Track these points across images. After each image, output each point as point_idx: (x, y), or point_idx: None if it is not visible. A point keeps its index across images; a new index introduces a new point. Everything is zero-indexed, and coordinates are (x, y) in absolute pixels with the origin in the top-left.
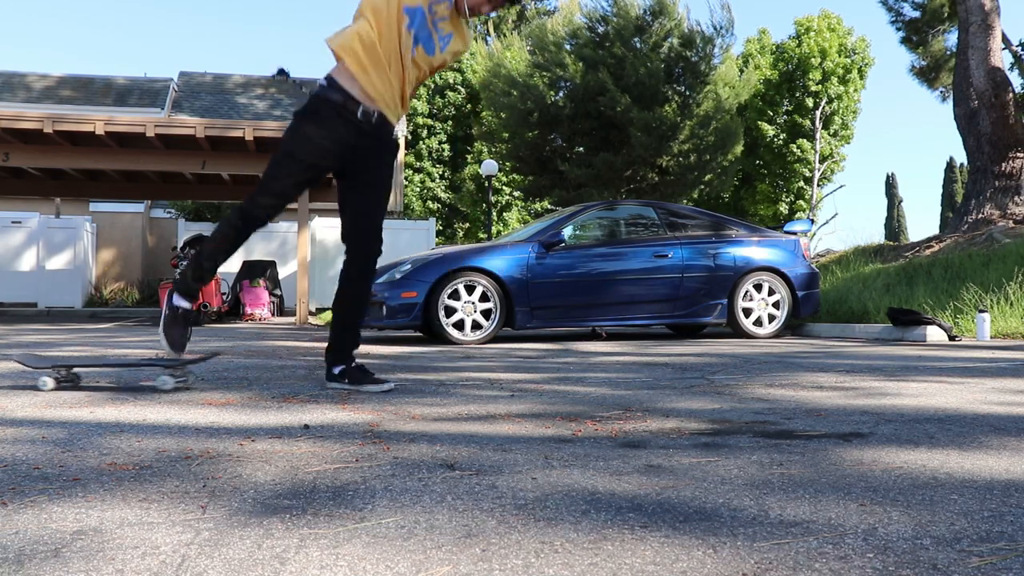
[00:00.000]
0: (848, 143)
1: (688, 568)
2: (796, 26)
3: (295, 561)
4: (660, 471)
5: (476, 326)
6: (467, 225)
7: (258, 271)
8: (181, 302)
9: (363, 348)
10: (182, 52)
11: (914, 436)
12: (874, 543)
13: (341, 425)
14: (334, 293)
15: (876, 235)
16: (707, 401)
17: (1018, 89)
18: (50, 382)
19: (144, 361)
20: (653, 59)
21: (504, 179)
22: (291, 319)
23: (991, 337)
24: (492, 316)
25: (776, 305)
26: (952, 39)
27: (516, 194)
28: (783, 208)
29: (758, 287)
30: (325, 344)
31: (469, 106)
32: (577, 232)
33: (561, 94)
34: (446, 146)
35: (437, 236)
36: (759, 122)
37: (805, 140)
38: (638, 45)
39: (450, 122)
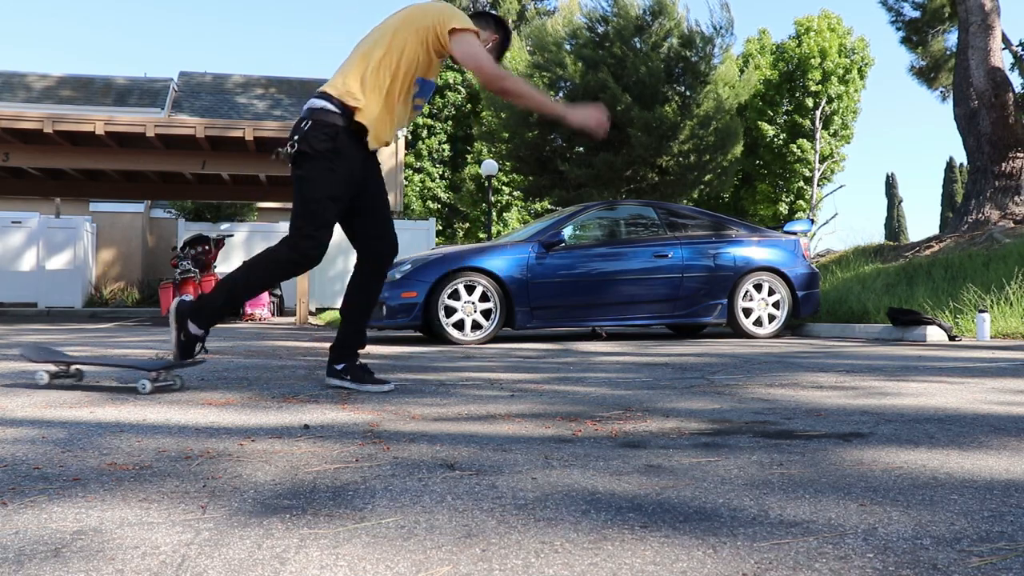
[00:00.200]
0: (848, 143)
1: (688, 568)
2: (796, 26)
3: (295, 561)
4: (660, 471)
5: (476, 326)
6: (467, 225)
7: None
8: (198, 331)
9: (364, 348)
10: (182, 52)
11: (914, 436)
12: (874, 543)
13: (341, 425)
14: (337, 293)
15: (876, 235)
16: (707, 401)
17: (1018, 89)
18: (46, 376)
19: (143, 362)
20: (653, 59)
21: (504, 179)
22: (291, 319)
23: (991, 337)
24: (492, 316)
25: (776, 305)
26: (952, 39)
27: (516, 194)
28: (783, 208)
29: (758, 287)
30: (325, 344)
31: (469, 106)
32: (577, 232)
33: (561, 94)
34: (446, 146)
35: (437, 236)
36: (759, 122)
37: (805, 140)
38: (638, 45)
39: (450, 122)
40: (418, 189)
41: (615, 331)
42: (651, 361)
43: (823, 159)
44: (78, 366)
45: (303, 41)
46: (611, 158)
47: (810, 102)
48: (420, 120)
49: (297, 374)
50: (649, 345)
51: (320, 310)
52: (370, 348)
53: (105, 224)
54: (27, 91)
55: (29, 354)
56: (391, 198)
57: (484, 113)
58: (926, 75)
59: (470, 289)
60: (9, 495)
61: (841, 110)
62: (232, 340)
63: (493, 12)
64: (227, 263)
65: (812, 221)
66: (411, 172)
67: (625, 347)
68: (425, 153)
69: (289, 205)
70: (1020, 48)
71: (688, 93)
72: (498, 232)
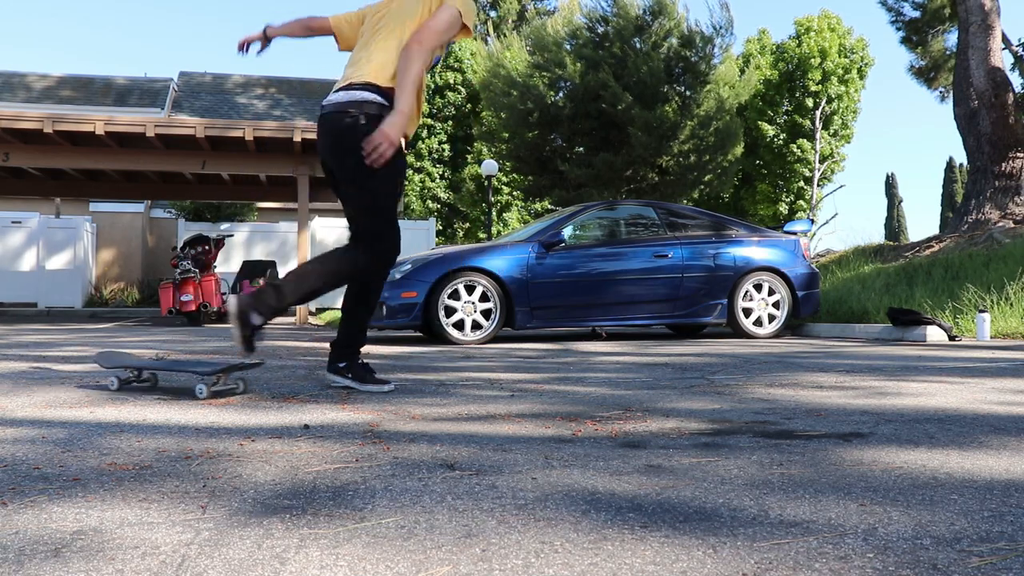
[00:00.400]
0: (848, 143)
1: (688, 568)
2: (796, 26)
3: (295, 561)
4: (660, 471)
5: (476, 326)
6: (467, 225)
7: (258, 271)
8: (259, 319)
9: (364, 348)
10: (182, 52)
11: (914, 436)
12: (874, 543)
13: (341, 425)
14: (337, 292)
15: (876, 235)
16: (707, 401)
17: (1018, 89)
18: (116, 382)
19: (210, 365)
20: (654, 58)
21: (504, 179)
22: (291, 319)
23: (991, 337)
24: (492, 316)
25: (776, 305)
26: (952, 39)
27: (516, 194)
28: (783, 208)
29: (758, 287)
30: (325, 344)
31: (469, 106)
32: (577, 232)
33: (561, 94)
34: (446, 146)
35: (437, 236)
36: (759, 122)
37: (805, 140)
38: (638, 45)
39: (450, 122)
40: (418, 189)
41: (615, 331)
42: (651, 361)
43: (823, 159)
44: (151, 371)
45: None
46: (611, 158)
47: (810, 102)
48: (420, 120)
49: (297, 374)
50: (649, 345)
51: (320, 310)
52: (370, 348)
53: (105, 224)
54: (27, 91)
55: (102, 361)
56: None
57: (484, 113)
58: (926, 75)
59: (470, 289)
60: (9, 495)
61: (841, 110)
62: (232, 340)
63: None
64: (227, 263)
65: (812, 221)
66: (411, 172)
67: (625, 347)
68: (425, 153)
69: (289, 205)
70: (1020, 48)
71: (688, 93)
72: (498, 232)
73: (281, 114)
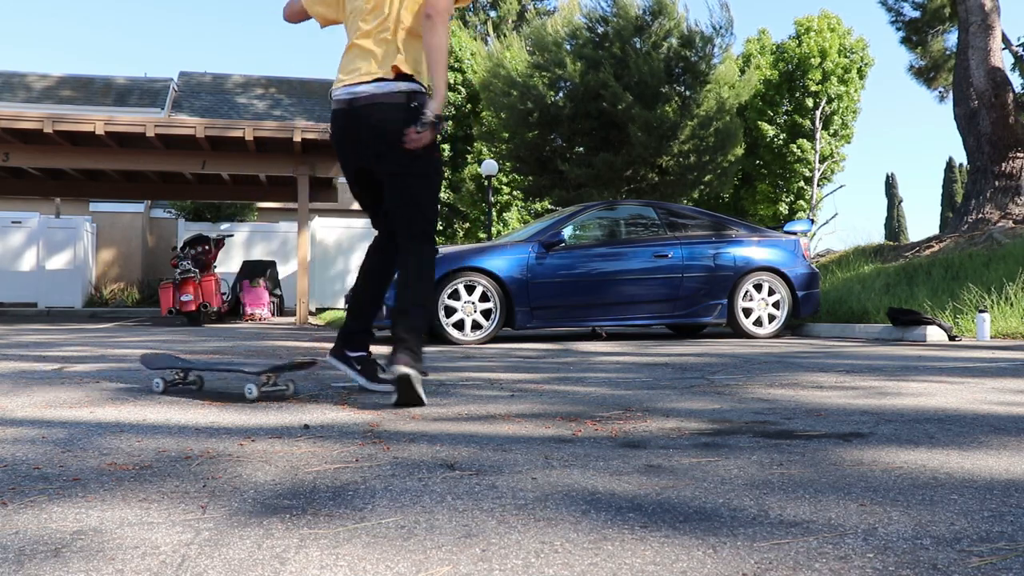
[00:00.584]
0: (848, 143)
1: (688, 568)
2: (796, 26)
3: (295, 561)
4: (660, 471)
5: (476, 326)
6: (467, 225)
7: (258, 271)
8: (419, 361)
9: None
10: (182, 52)
11: (914, 436)
12: (874, 543)
13: (341, 425)
14: (338, 292)
15: (876, 235)
16: (707, 401)
17: (1018, 89)
18: (161, 383)
19: (257, 365)
20: (654, 58)
21: (504, 179)
22: (291, 319)
23: (991, 337)
24: (492, 316)
25: (776, 305)
26: (952, 39)
27: (516, 194)
28: (783, 208)
29: (758, 287)
30: (325, 344)
31: (469, 106)
32: (577, 232)
33: (561, 94)
34: (446, 146)
35: (437, 236)
36: (759, 122)
37: (805, 140)
38: (638, 45)
39: (450, 122)
40: None
41: (615, 331)
42: (651, 361)
43: (823, 159)
44: (198, 372)
45: (303, 41)
46: (611, 158)
47: (810, 102)
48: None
49: (297, 374)
50: (649, 345)
51: (320, 310)
52: (370, 348)
53: (105, 224)
54: (27, 91)
55: (148, 363)
56: None
57: (484, 113)
58: (926, 75)
59: (470, 289)
60: (9, 495)
61: (841, 110)
62: (232, 340)
63: None
64: (227, 263)
65: (812, 221)
66: None
67: (625, 347)
68: None
69: (289, 205)
70: (1020, 48)
71: (688, 93)
72: (498, 232)
73: (281, 114)
